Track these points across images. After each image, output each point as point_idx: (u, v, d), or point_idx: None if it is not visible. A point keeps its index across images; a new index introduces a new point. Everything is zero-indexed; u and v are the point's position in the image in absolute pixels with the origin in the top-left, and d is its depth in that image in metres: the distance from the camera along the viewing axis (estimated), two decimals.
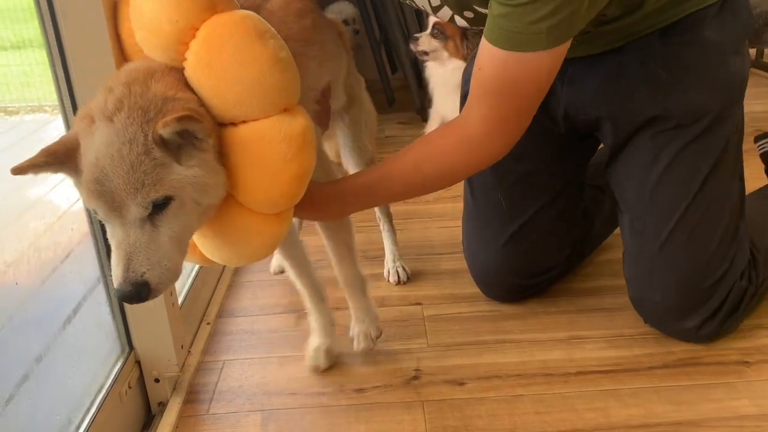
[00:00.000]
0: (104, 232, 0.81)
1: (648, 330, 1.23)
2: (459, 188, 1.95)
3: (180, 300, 1.22)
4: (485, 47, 0.89)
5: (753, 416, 1.02)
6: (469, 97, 0.94)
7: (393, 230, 1.54)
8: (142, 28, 0.78)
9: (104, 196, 0.70)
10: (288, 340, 1.29)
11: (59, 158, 0.72)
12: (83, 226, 1.04)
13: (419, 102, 2.58)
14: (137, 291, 0.70)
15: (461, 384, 1.13)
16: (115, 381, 1.02)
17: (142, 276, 0.70)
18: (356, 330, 1.20)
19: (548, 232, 1.31)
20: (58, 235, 1.02)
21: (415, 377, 1.16)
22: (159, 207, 0.71)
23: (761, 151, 1.55)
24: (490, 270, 1.34)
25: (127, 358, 1.07)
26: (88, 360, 1.02)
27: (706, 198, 1.10)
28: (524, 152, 1.07)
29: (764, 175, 1.53)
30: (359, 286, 1.17)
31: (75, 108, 0.93)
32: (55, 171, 0.73)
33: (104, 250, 1.02)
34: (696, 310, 1.15)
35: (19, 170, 0.70)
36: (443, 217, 1.81)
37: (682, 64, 1.08)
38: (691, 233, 1.12)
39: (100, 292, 1.07)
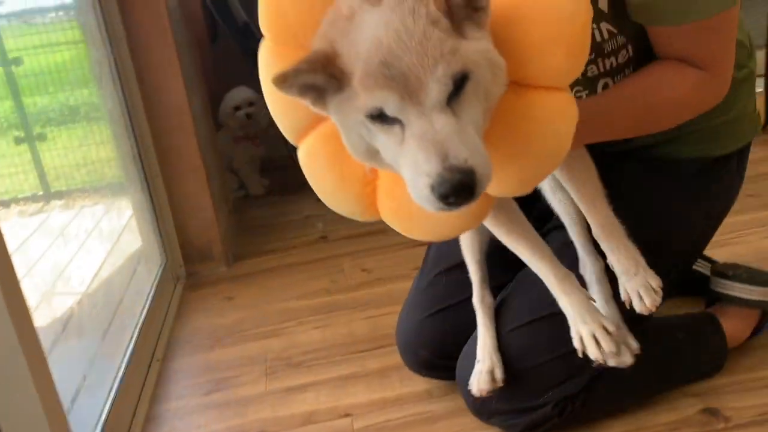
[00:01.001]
0: None
1: None
2: (382, 272, 1.93)
3: None
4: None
5: None
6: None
7: None
8: None
9: (395, 80, 0.58)
10: None
11: (321, 63, 0.61)
12: None
13: None
14: (465, 178, 0.56)
15: None
16: None
17: (465, 161, 0.56)
18: (630, 286, 0.94)
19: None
20: None
21: None
22: (455, 89, 0.59)
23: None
24: (410, 341, 1.31)
25: None
26: None
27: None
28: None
29: None
30: (618, 231, 0.95)
31: None
32: (316, 78, 0.62)
33: None
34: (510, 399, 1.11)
35: (282, 77, 0.60)
36: (368, 305, 1.75)
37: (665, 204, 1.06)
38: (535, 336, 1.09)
39: None
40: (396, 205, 0.73)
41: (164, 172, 2.00)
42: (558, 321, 0.99)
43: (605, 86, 1.03)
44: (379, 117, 0.61)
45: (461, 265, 1.22)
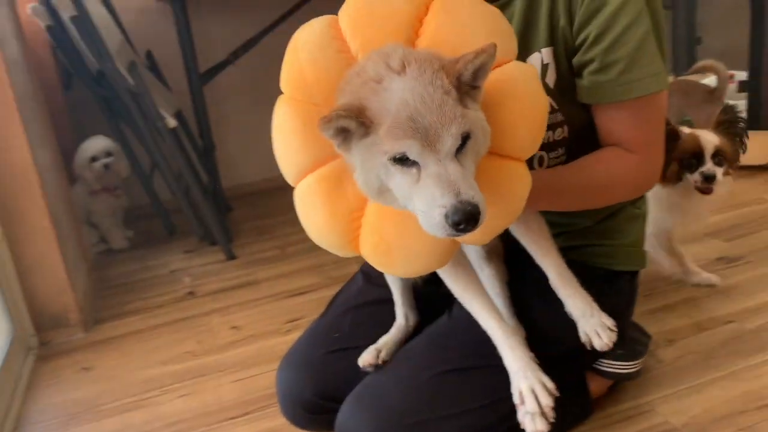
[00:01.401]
0: None
1: None
2: (253, 328, 1.87)
3: None
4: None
5: None
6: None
7: None
8: (370, 26, 0.84)
9: (419, 132, 0.72)
10: None
11: (354, 112, 0.74)
12: None
13: (201, 228, 2.46)
14: (474, 210, 0.70)
15: None
16: None
17: (473, 198, 0.71)
18: (588, 327, 1.05)
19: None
20: None
21: None
22: (461, 144, 0.74)
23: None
24: (296, 382, 1.22)
25: None
26: None
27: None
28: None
29: None
30: (573, 279, 1.05)
31: None
32: (350, 123, 0.74)
33: None
34: None
35: (327, 119, 0.73)
36: (236, 367, 1.69)
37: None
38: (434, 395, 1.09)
39: None
40: (377, 240, 0.84)
41: (9, 236, 1.84)
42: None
43: (540, 159, 1.11)
44: (400, 160, 0.74)
45: (369, 304, 1.23)
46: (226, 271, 2.31)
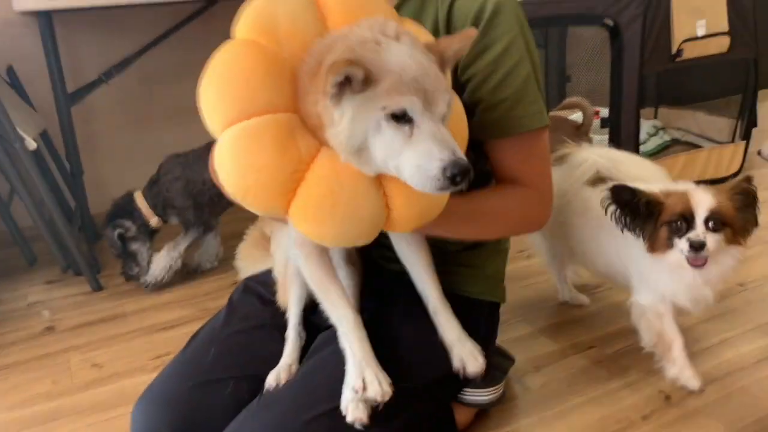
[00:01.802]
0: None
1: None
2: (116, 365, 1.75)
3: None
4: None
5: None
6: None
7: None
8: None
9: (421, 92, 0.78)
10: None
11: (363, 65, 0.77)
12: None
13: (64, 258, 2.30)
14: (467, 166, 0.76)
15: None
16: None
17: (464, 156, 0.77)
18: (464, 353, 1.07)
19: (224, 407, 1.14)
20: None
21: None
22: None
23: None
24: (154, 418, 1.12)
25: None
26: None
27: None
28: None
29: None
30: (449, 307, 1.09)
31: None
32: (358, 73, 0.76)
33: None
34: None
35: (347, 60, 0.76)
36: (95, 408, 1.57)
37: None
38: None
39: None
40: (325, 192, 0.83)
41: None
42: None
43: None
44: (395, 117, 0.78)
45: (233, 335, 1.19)
46: (91, 304, 2.16)
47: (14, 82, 2.56)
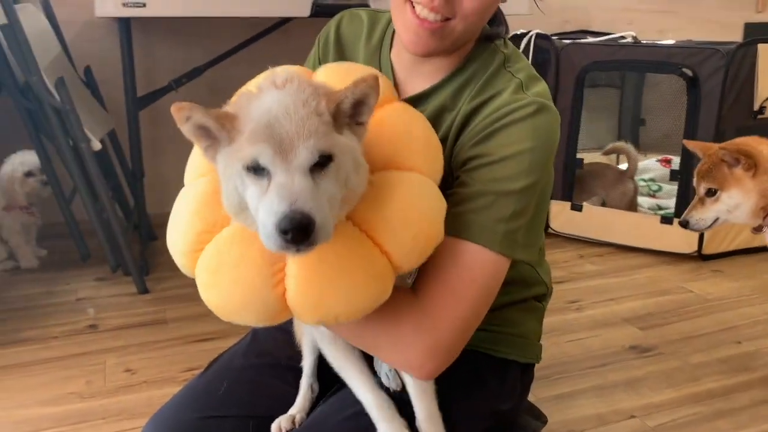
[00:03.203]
0: None
1: None
2: (149, 373, 1.76)
3: None
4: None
5: None
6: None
7: None
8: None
9: (273, 139, 0.71)
10: None
11: (219, 116, 0.73)
12: None
13: (115, 257, 2.35)
14: (304, 220, 0.67)
15: None
16: None
17: (309, 210, 0.68)
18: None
19: None
20: None
21: None
22: (320, 165, 0.72)
23: None
24: None
25: None
26: None
27: None
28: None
29: None
30: (440, 422, 0.97)
31: None
32: (208, 122, 0.73)
33: None
34: None
35: (181, 107, 0.72)
36: (121, 416, 1.58)
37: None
38: None
39: None
40: (211, 253, 0.80)
41: None
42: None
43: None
44: (254, 170, 0.71)
45: (249, 369, 1.14)
46: (135, 306, 2.20)
47: (90, 83, 2.65)
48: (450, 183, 0.98)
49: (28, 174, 2.42)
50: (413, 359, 0.92)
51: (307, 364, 1.13)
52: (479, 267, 0.91)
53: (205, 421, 1.10)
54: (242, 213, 0.75)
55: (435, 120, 1.00)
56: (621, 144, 2.83)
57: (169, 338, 1.98)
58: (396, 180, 0.84)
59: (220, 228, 0.81)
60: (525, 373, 1.23)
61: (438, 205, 0.85)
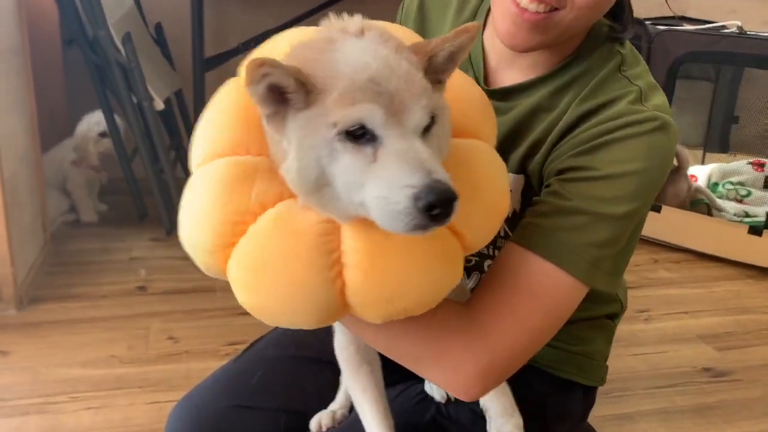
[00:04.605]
0: None
1: None
2: (190, 343, 1.72)
3: None
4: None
5: None
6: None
7: None
8: None
9: (382, 97, 0.58)
10: None
11: (294, 71, 0.59)
12: None
13: (169, 221, 2.32)
14: (448, 192, 0.55)
15: None
16: None
17: (448, 179, 0.56)
18: (507, 428, 0.89)
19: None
20: None
21: None
22: (427, 127, 0.61)
23: None
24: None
25: None
26: None
27: None
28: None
29: None
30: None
31: None
32: (288, 81, 0.59)
33: None
34: None
35: (260, 62, 0.57)
36: (158, 386, 1.55)
37: None
38: None
39: None
40: (251, 249, 0.65)
41: None
42: None
43: (488, 266, 0.96)
44: (353, 135, 0.59)
45: (285, 360, 1.06)
46: (185, 271, 2.16)
47: (160, 40, 2.62)
48: (536, 187, 0.86)
49: (103, 134, 2.43)
50: (459, 380, 0.80)
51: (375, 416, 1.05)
52: (552, 290, 0.79)
53: (235, 411, 1.03)
54: (319, 191, 0.62)
55: (528, 119, 0.89)
56: None
57: (215, 308, 1.93)
58: (464, 148, 0.71)
59: (253, 218, 0.67)
60: (587, 396, 1.11)
61: (504, 176, 0.75)
